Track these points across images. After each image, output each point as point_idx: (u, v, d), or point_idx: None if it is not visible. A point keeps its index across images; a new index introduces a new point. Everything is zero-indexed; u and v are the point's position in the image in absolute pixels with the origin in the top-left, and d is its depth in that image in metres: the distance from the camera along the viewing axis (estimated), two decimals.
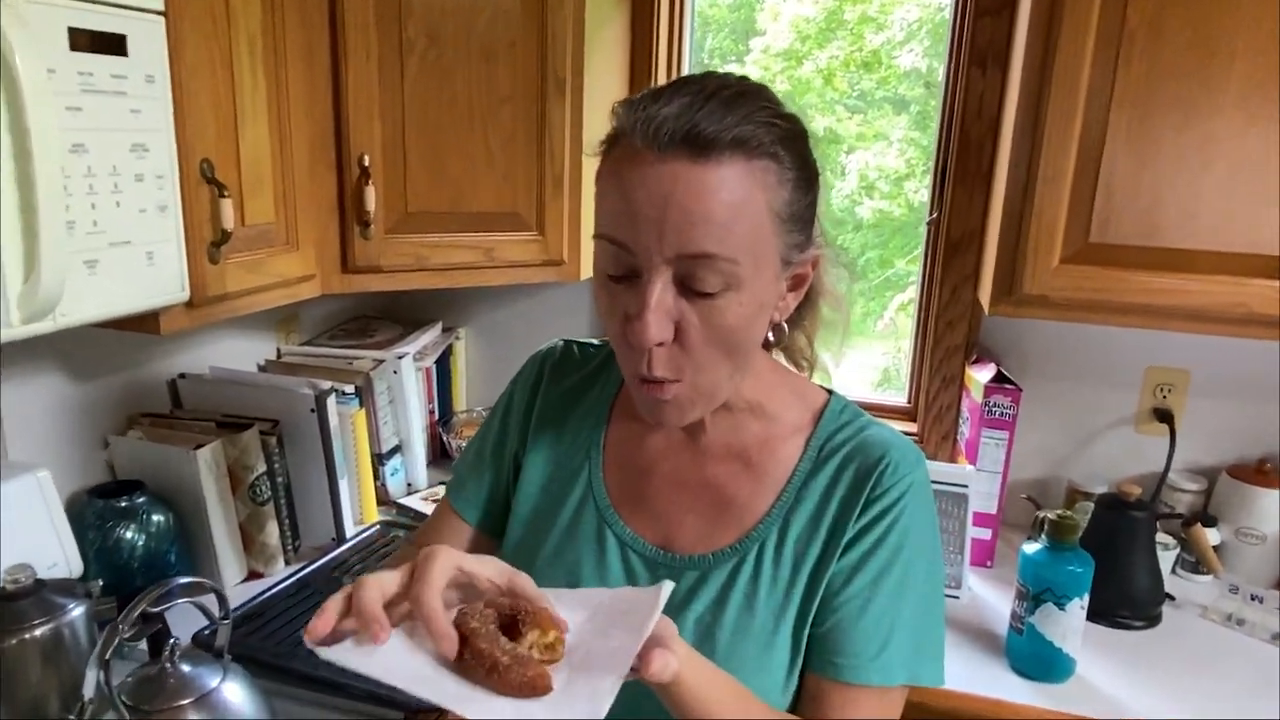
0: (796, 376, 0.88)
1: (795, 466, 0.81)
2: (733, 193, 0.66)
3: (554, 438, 0.90)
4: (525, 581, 0.64)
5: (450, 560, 0.62)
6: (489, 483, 0.94)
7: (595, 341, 0.95)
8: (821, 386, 0.87)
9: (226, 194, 1.10)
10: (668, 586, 0.63)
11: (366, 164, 1.37)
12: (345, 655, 0.57)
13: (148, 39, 0.98)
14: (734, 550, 0.80)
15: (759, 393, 0.83)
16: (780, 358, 0.88)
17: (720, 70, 0.71)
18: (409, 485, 1.83)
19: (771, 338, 0.79)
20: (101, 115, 0.93)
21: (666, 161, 0.65)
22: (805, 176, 0.72)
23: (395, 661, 0.57)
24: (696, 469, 0.84)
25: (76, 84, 0.90)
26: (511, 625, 0.60)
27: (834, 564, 0.77)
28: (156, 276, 1.03)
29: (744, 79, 0.71)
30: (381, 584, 0.61)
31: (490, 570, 0.64)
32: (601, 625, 0.62)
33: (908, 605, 0.77)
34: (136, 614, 0.92)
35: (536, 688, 0.56)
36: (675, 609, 0.78)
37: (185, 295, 1.07)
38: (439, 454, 1.99)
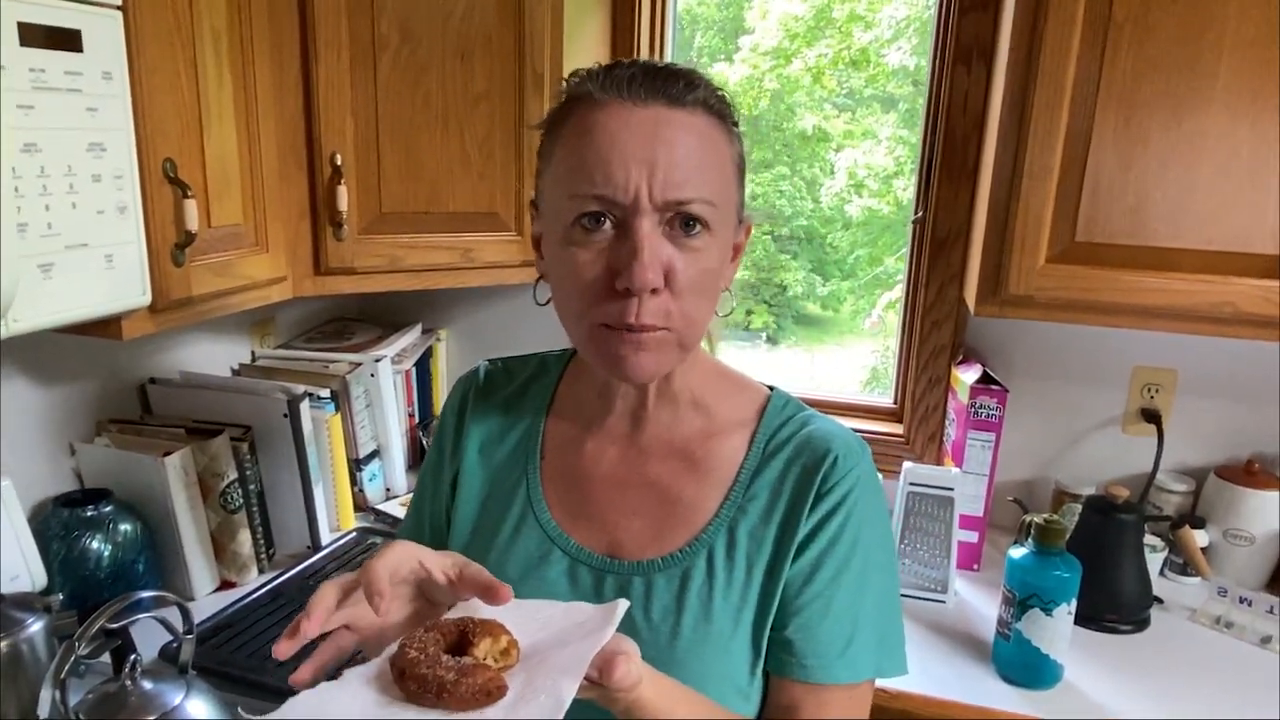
0: (737, 373, 0.87)
1: (741, 464, 0.80)
2: (705, 137, 0.71)
3: (488, 455, 0.88)
4: (475, 570, 0.63)
5: (410, 552, 0.64)
6: (430, 514, 0.92)
7: (520, 355, 0.94)
8: (763, 384, 0.86)
9: (191, 194, 1.07)
10: (623, 604, 0.62)
11: (339, 163, 1.33)
12: (295, 708, 0.55)
13: (104, 34, 0.95)
14: (685, 554, 0.77)
15: (700, 386, 0.82)
16: None
17: (704, 72, 0.74)
18: (387, 490, 1.80)
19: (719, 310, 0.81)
20: (55, 113, 0.90)
21: (649, 107, 0.69)
22: (740, 139, 0.76)
23: (347, 706, 0.56)
24: (638, 468, 0.82)
25: (28, 81, 0.87)
26: (463, 640, 0.58)
27: (789, 564, 0.76)
28: (117, 280, 1.00)
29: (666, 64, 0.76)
30: (340, 581, 0.63)
31: (446, 562, 0.64)
32: (556, 634, 0.62)
33: (868, 599, 0.77)
34: (95, 630, 0.89)
35: (490, 693, 0.55)
36: (630, 618, 0.76)
37: (147, 299, 1.04)
38: (418, 458, 1.96)
